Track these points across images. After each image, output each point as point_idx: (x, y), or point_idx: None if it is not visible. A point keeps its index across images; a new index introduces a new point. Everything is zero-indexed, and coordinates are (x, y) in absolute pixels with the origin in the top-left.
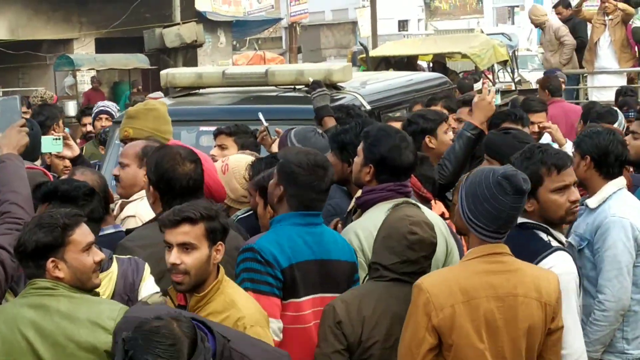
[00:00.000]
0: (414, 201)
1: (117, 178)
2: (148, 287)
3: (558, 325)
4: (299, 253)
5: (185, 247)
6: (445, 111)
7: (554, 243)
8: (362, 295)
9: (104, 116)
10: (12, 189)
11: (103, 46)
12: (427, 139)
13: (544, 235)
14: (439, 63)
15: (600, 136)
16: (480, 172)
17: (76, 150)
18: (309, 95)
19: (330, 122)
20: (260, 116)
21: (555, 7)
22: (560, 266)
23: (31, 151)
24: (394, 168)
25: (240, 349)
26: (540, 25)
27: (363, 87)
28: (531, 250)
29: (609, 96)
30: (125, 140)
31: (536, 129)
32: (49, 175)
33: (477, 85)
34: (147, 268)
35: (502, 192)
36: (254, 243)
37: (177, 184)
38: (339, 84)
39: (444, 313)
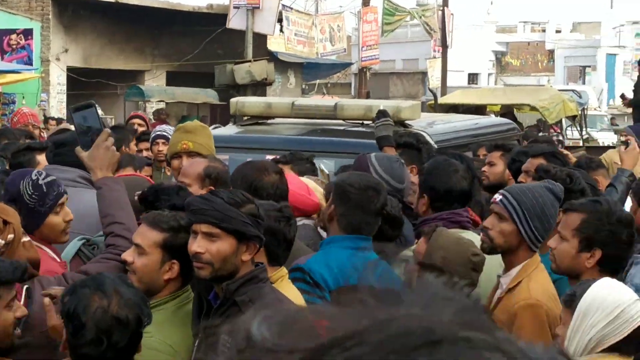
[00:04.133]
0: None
1: None
2: None
3: None
4: (347, 276)
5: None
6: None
7: None
8: None
9: (160, 140)
10: (114, 219)
11: (174, 79)
12: None
13: None
14: (507, 114)
15: None
16: (536, 192)
17: None
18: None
19: (391, 151)
20: (321, 166)
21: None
22: None
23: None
24: (445, 195)
25: None
26: None
27: (430, 126)
28: None
29: None
30: (180, 153)
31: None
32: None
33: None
34: None
35: (558, 206)
36: (304, 263)
37: (263, 193)
38: (406, 121)
39: (556, 321)
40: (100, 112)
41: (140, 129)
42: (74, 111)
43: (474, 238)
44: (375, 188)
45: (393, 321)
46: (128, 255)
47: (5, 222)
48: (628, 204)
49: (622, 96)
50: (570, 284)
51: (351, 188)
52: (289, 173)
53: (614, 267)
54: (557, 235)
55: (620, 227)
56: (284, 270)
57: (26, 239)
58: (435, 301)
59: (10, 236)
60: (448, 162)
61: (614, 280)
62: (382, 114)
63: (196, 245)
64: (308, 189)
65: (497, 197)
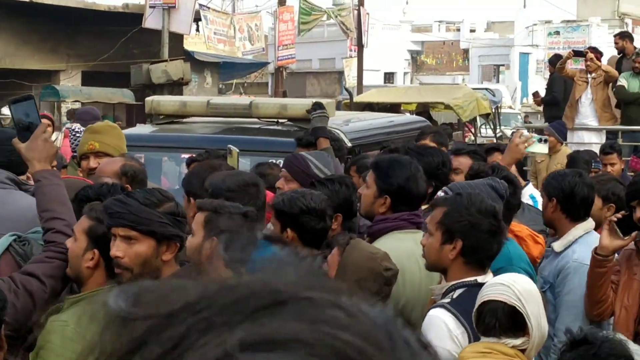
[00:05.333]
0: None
1: None
2: None
3: None
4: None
5: None
6: (434, 145)
7: None
8: None
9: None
10: (54, 215)
11: (89, 79)
12: None
13: None
14: (422, 113)
15: (565, 178)
16: (476, 188)
17: None
18: (291, 130)
19: (325, 143)
20: (231, 148)
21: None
22: None
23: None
24: (410, 198)
25: None
26: None
27: (346, 124)
28: None
29: None
30: (87, 154)
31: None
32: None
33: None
34: None
35: (501, 202)
36: None
37: None
38: None
39: None
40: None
41: (49, 129)
42: (12, 103)
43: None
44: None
45: (239, 285)
46: (68, 241)
47: None
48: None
49: (535, 94)
50: (441, 280)
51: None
52: None
53: (478, 259)
54: (427, 232)
55: (479, 217)
56: None
57: None
58: (281, 267)
59: None
60: (413, 164)
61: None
62: (317, 105)
63: (115, 248)
64: None
65: (440, 193)
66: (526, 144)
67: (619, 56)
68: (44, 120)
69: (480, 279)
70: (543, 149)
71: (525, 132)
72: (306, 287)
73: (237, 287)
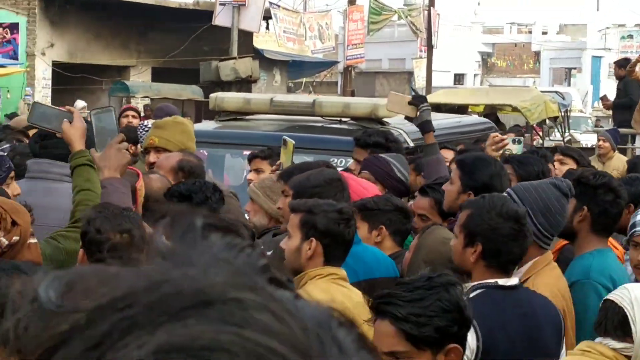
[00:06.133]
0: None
1: None
2: None
3: None
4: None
5: None
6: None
7: None
8: None
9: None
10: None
11: (159, 75)
12: None
13: None
14: (490, 115)
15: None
16: (540, 188)
17: None
18: (353, 128)
19: (432, 138)
20: (286, 139)
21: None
22: None
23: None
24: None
25: None
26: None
27: (410, 124)
28: None
29: None
30: (148, 149)
31: None
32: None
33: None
34: None
35: (568, 202)
36: None
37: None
38: (384, 119)
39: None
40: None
41: (134, 121)
42: (93, 113)
43: None
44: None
45: (166, 282)
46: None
47: (14, 223)
48: None
49: (604, 98)
50: (464, 280)
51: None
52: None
53: (500, 262)
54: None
55: (500, 221)
56: (333, 269)
57: (33, 240)
58: (213, 263)
59: (16, 238)
60: (498, 163)
61: None
62: (422, 98)
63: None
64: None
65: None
66: (499, 145)
67: None
68: (130, 112)
69: (502, 281)
70: (516, 149)
71: (499, 135)
72: (236, 286)
73: (162, 285)
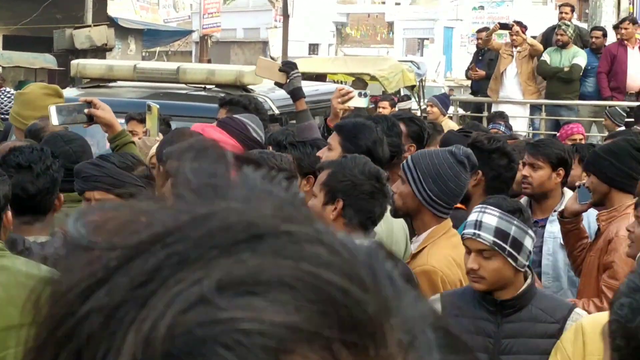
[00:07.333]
0: None
1: None
2: None
3: None
4: None
5: None
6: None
7: None
8: None
9: None
10: None
11: (11, 44)
12: None
13: None
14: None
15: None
16: (435, 155)
17: None
18: (217, 95)
19: (303, 104)
20: (150, 104)
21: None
22: None
23: None
24: (375, 162)
25: None
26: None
27: (272, 91)
28: None
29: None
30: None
31: None
32: None
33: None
34: None
35: (464, 170)
36: None
37: None
38: (249, 86)
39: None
40: None
41: None
42: None
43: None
44: None
45: (213, 215)
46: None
47: None
48: None
49: (473, 68)
50: None
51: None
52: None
53: (360, 220)
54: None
55: (361, 179)
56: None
57: None
58: (254, 195)
59: None
60: (374, 126)
61: None
62: (292, 65)
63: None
64: None
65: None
66: (345, 98)
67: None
68: None
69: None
70: (362, 102)
71: (346, 87)
72: (284, 219)
73: (210, 218)
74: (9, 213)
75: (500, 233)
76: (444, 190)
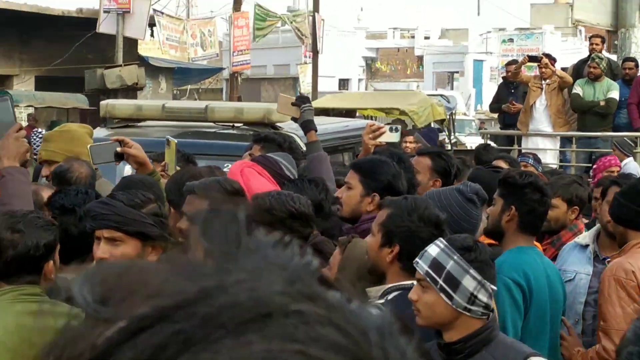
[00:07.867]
0: None
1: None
2: None
3: None
4: None
5: None
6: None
7: None
8: None
9: None
10: (12, 208)
11: (43, 84)
12: None
13: None
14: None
15: None
16: (443, 195)
17: None
18: (246, 133)
19: (314, 136)
20: (169, 138)
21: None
22: None
23: None
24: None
25: None
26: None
27: (300, 129)
28: None
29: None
30: (42, 163)
31: None
32: None
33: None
34: None
35: (475, 207)
36: None
37: None
38: (277, 124)
39: None
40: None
41: None
42: None
43: None
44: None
45: (222, 290)
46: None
47: None
48: None
49: (511, 102)
50: (372, 281)
51: None
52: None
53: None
54: (371, 232)
55: (420, 225)
56: None
57: None
58: (265, 266)
59: None
60: (390, 160)
61: None
62: (305, 99)
63: (100, 251)
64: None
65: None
66: (376, 133)
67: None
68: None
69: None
70: (393, 137)
71: (377, 123)
72: (295, 296)
73: (218, 293)
74: (51, 263)
75: (435, 265)
76: (457, 231)
